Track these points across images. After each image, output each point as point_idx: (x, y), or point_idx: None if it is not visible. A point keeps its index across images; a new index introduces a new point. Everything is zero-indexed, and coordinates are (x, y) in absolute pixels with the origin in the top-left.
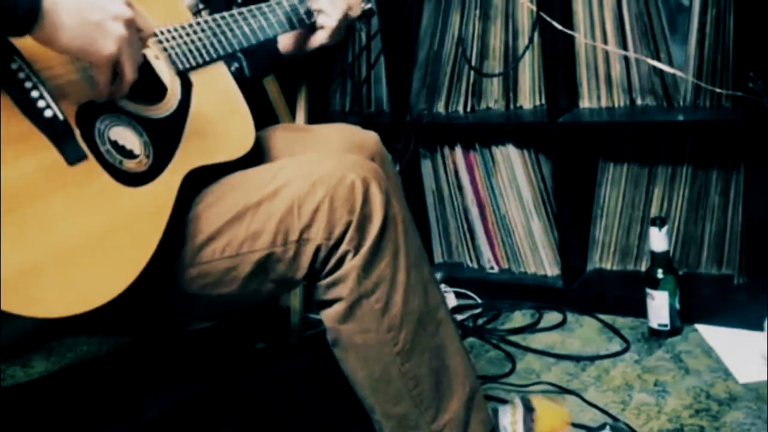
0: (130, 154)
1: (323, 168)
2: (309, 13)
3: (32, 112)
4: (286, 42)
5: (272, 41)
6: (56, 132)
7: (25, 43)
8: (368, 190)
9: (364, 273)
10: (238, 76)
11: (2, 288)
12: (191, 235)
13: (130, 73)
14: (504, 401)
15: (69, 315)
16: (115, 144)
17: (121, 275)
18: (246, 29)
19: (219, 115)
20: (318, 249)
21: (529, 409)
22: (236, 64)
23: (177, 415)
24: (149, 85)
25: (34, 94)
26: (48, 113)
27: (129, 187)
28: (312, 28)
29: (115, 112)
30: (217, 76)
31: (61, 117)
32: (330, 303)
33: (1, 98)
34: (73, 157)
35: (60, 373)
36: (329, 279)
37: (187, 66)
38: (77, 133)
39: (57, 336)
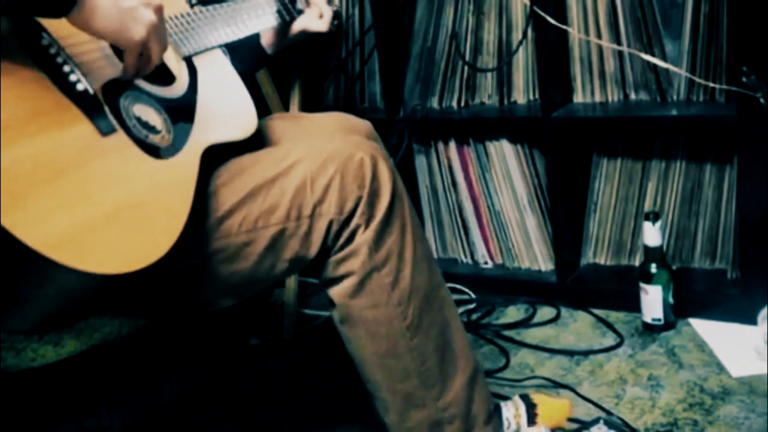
0: (153, 129)
1: (333, 146)
2: (288, 7)
3: (65, 86)
4: (268, 36)
5: (254, 37)
6: (89, 105)
7: (50, 22)
8: (376, 167)
9: (375, 246)
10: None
11: (55, 245)
12: (211, 210)
13: (156, 57)
14: (499, 396)
15: (119, 273)
16: (139, 119)
17: (161, 239)
18: (239, 20)
19: (224, 97)
20: (330, 224)
21: (530, 404)
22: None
23: (169, 410)
24: (158, 69)
25: (66, 68)
26: (80, 87)
27: (157, 159)
28: (292, 19)
29: (136, 91)
30: (217, 61)
31: (91, 91)
32: (340, 279)
33: (33, 72)
34: (106, 129)
35: (89, 353)
36: (340, 254)
37: (192, 52)
38: (106, 108)
39: (84, 317)
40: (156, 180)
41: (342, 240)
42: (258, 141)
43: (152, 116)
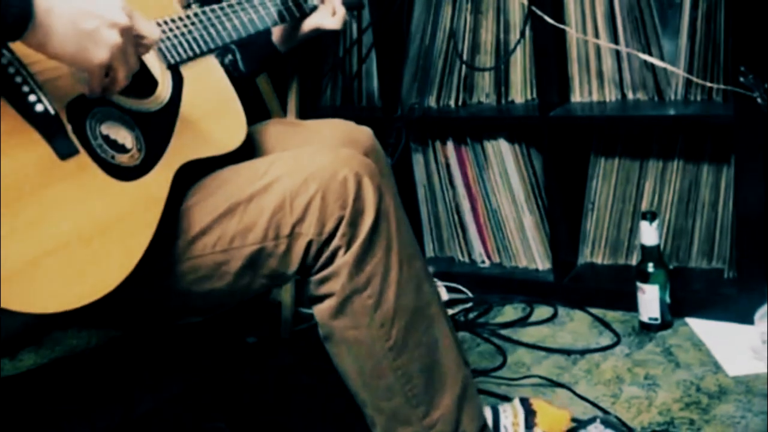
0: (122, 149)
1: (315, 163)
2: (298, 3)
3: (23, 107)
4: (279, 34)
5: (266, 35)
6: (47, 127)
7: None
8: (360, 186)
9: (355, 269)
10: (232, 70)
11: (1, 286)
12: (182, 229)
13: (122, 79)
14: (495, 395)
15: (64, 310)
16: (107, 138)
17: (115, 270)
18: (236, 21)
19: (210, 109)
20: (309, 244)
21: (530, 412)
22: (230, 56)
23: (167, 409)
24: (140, 79)
25: (25, 88)
26: (39, 108)
27: (122, 182)
28: (303, 16)
29: (107, 106)
30: (208, 69)
31: (52, 112)
32: (322, 298)
33: None
34: (65, 152)
35: (49, 367)
36: (321, 275)
37: (178, 59)
38: (69, 128)
39: (46, 331)
40: (118, 204)
41: (322, 260)
42: (248, 149)
43: (122, 134)
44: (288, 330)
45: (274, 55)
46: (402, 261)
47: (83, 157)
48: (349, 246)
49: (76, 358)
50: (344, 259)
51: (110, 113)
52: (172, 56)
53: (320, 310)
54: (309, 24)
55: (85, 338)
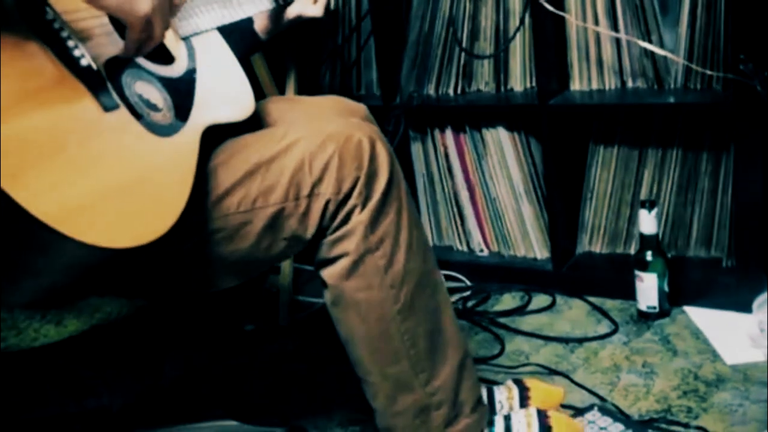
0: (154, 107)
1: (331, 127)
2: None
3: (69, 60)
4: (262, 21)
5: (248, 23)
6: (92, 80)
7: None
8: (374, 148)
9: (370, 227)
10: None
11: (61, 218)
12: (209, 189)
13: (159, 34)
14: (494, 382)
15: (124, 247)
16: (140, 97)
17: (165, 214)
18: (235, 2)
19: (222, 78)
20: (327, 204)
21: (523, 388)
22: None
23: (165, 395)
24: (158, 48)
25: (70, 43)
26: (84, 62)
27: (158, 137)
28: (286, 2)
29: (137, 68)
30: (214, 43)
31: (95, 67)
32: (334, 260)
33: (37, 46)
34: (109, 105)
35: (85, 335)
36: (336, 234)
37: (189, 33)
38: (109, 83)
39: (85, 295)
40: (158, 157)
41: (338, 220)
42: (255, 123)
43: (154, 94)
44: (286, 318)
45: (256, 42)
46: (411, 224)
47: (124, 112)
48: (364, 206)
49: (112, 325)
50: (359, 218)
51: (141, 74)
52: (185, 28)
53: (331, 273)
54: (291, 12)
55: (117, 307)
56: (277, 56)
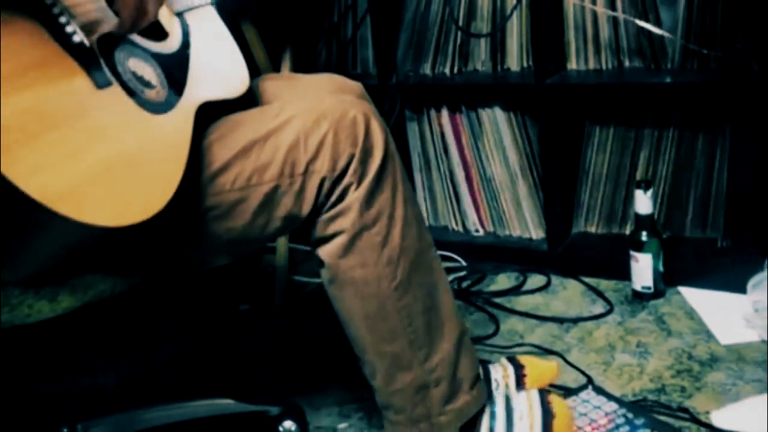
0: (148, 84)
1: (326, 104)
2: None
3: (62, 37)
4: None
5: None
6: (85, 57)
7: None
8: (369, 125)
9: (366, 204)
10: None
11: (55, 196)
12: (204, 165)
13: (153, 11)
14: (488, 362)
15: (118, 225)
16: (134, 74)
17: (160, 191)
18: None
19: (216, 55)
20: (323, 181)
21: (518, 366)
22: None
23: (160, 374)
24: (152, 24)
25: (62, 20)
26: (77, 38)
27: (152, 114)
28: None
29: (130, 45)
30: (209, 19)
31: (87, 43)
32: (330, 238)
33: (29, 23)
34: (102, 82)
35: (79, 312)
36: (331, 212)
37: (183, 7)
38: (102, 60)
39: (79, 272)
40: (152, 134)
41: (333, 198)
42: (250, 100)
43: (147, 71)
44: (281, 297)
45: None
46: (407, 201)
47: (117, 89)
48: (359, 183)
49: (106, 303)
50: (355, 195)
51: (134, 51)
52: (178, 3)
53: (327, 251)
54: None
55: (110, 284)
56: (272, 34)
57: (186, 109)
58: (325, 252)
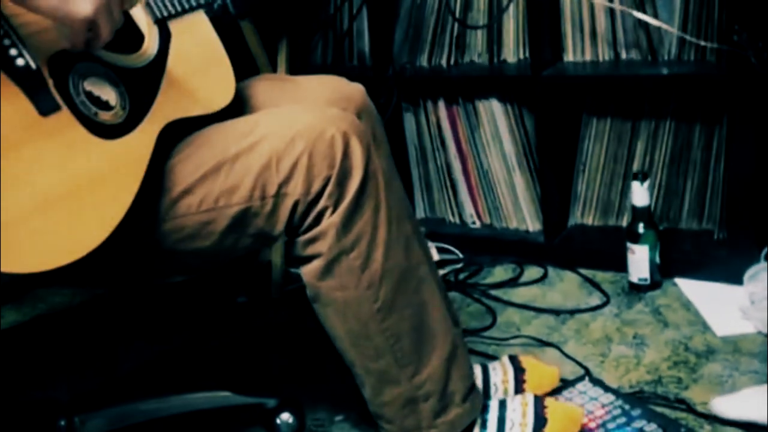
0: (105, 106)
1: (302, 121)
2: None
3: (4, 61)
4: None
5: None
6: (29, 82)
7: None
8: (348, 145)
9: (343, 229)
10: (221, 15)
11: None
12: (166, 188)
13: (106, 35)
14: (485, 354)
15: (45, 270)
16: (90, 95)
17: (97, 229)
18: None
19: (198, 66)
20: (296, 204)
21: (519, 369)
22: (219, 1)
23: (155, 368)
24: (125, 33)
25: (6, 42)
26: (20, 62)
27: (105, 140)
28: None
29: (90, 62)
30: (196, 26)
31: (33, 66)
32: (309, 259)
33: None
34: (47, 108)
35: (31, 324)
36: (308, 235)
37: (165, 14)
38: (50, 83)
39: (28, 289)
40: (101, 162)
41: (309, 221)
42: (237, 105)
43: (105, 90)
44: (278, 290)
45: None
46: (391, 221)
47: (65, 114)
48: (336, 206)
49: (59, 315)
50: (331, 220)
51: (94, 69)
52: (160, 10)
53: (307, 271)
54: None
55: (68, 296)
56: (268, 27)
57: (148, 131)
58: (305, 271)
